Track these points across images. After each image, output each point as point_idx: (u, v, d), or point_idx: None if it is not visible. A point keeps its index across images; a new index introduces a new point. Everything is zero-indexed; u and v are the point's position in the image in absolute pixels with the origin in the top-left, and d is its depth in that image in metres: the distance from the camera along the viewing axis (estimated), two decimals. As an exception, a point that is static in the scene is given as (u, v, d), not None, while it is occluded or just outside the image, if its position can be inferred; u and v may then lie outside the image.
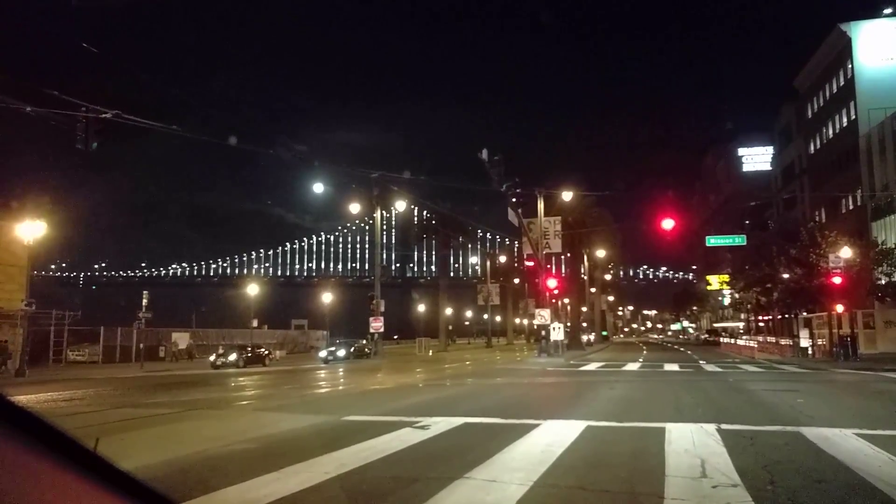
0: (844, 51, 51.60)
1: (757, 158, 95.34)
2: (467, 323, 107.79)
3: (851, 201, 49.49)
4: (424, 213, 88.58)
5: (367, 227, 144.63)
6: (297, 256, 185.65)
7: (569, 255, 58.35)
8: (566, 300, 60.29)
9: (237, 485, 5.83)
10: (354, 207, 46.76)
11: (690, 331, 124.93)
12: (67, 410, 13.36)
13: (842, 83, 52.72)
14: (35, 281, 36.32)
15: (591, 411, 11.40)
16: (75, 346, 38.31)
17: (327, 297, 58.75)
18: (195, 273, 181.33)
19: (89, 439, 1.44)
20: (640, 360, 36.78)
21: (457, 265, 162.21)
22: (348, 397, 16.52)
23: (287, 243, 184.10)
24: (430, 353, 53.90)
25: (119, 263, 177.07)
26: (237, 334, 48.85)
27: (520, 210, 36.51)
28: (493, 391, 17.33)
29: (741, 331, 73.33)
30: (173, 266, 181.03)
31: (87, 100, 17.23)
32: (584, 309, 67.67)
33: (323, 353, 42.55)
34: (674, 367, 28.53)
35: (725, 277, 77.55)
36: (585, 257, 61.73)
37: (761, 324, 68.37)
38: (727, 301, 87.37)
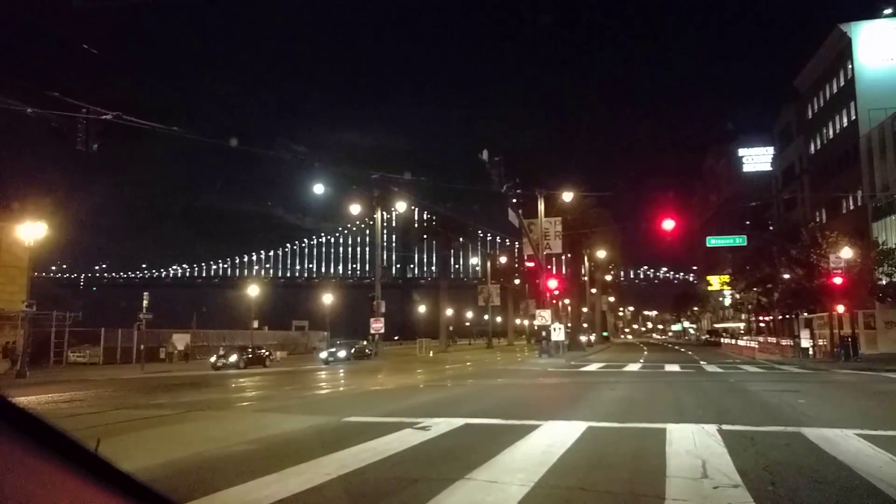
0: (845, 51, 51.59)
1: (757, 159, 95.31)
2: (468, 324, 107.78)
3: (852, 202, 49.48)
4: (425, 213, 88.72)
5: (367, 228, 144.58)
6: (297, 257, 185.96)
7: (569, 255, 58.35)
8: (567, 301, 60.29)
9: (238, 486, 5.83)
10: (355, 208, 46.79)
11: (691, 331, 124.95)
12: (68, 412, 13.37)
13: (842, 83, 52.72)
14: (36, 282, 36.34)
15: (592, 412, 11.39)
16: (76, 348, 38.35)
17: (328, 298, 58.75)
18: (196, 274, 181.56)
19: (90, 440, 1.44)
20: (641, 360, 36.77)
21: (457, 266, 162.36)
22: (349, 398, 16.52)
23: (288, 244, 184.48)
24: (431, 354, 53.89)
25: (120, 265, 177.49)
26: (238, 335, 48.85)
27: (520, 211, 36.53)
28: (493, 392, 17.33)
29: (742, 331, 73.32)
30: (174, 267, 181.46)
31: (87, 101, 17.26)
32: (585, 310, 67.67)
33: (323, 354, 42.56)
34: (674, 367, 28.53)
35: (726, 278, 77.52)
36: (586, 258, 61.70)
37: (762, 324, 68.33)
38: (728, 302, 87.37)
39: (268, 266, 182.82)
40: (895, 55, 49.61)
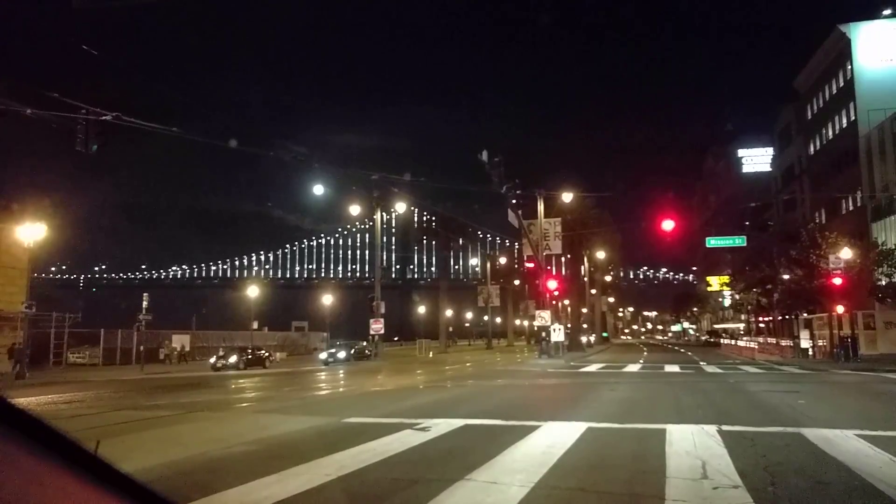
0: (844, 52, 51.62)
1: (757, 159, 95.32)
2: (467, 324, 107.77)
3: (851, 202, 49.49)
4: (425, 214, 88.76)
5: (367, 229, 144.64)
6: (297, 258, 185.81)
7: (569, 256, 58.34)
8: (566, 301, 60.29)
9: (238, 487, 5.83)
10: (355, 209, 46.73)
11: (691, 332, 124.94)
12: (68, 413, 13.36)
13: (841, 84, 52.74)
14: (35, 283, 36.31)
15: (592, 413, 11.39)
16: (76, 349, 38.33)
17: (327, 299, 58.76)
18: (195, 275, 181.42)
19: (90, 441, 1.43)
20: (641, 361, 36.77)
21: (457, 267, 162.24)
22: (348, 399, 16.51)
23: (287, 245, 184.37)
24: (431, 355, 53.89)
25: (119, 265, 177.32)
26: (237, 336, 48.86)
27: (520, 211, 36.52)
28: (493, 393, 17.32)
29: (742, 332, 73.34)
30: (173, 268, 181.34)
31: (87, 102, 17.26)
32: (585, 310, 67.62)
33: (323, 355, 42.58)
34: (674, 368, 28.52)
35: (726, 279, 77.58)
36: (586, 259, 61.68)
37: (762, 325, 68.36)
38: (727, 302, 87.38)
39: (267, 267, 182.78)
40: (895, 56, 49.64)
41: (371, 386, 20.35)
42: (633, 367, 29.37)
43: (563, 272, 61.06)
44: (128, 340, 39.68)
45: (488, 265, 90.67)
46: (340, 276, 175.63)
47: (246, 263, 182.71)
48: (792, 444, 8.05)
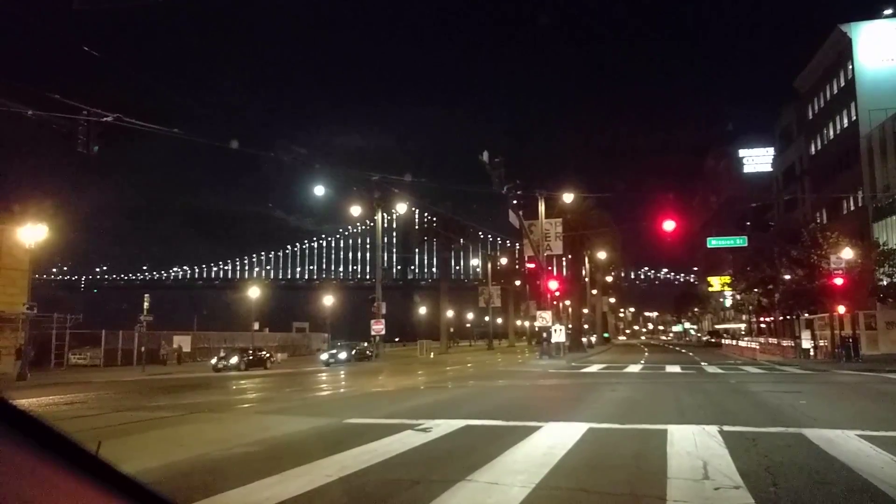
0: (845, 52, 51.61)
1: (758, 160, 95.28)
2: (468, 325, 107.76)
3: (853, 202, 49.46)
4: (425, 215, 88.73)
5: (368, 230, 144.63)
6: (298, 259, 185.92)
7: (570, 257, 58.35)
8: (567, 302, 60.23)
9: (239, 488, 5.83)
10: (355, 210, 46.78)
11: (692, 332, 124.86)
12: (69, 414, 13.37)
13: (842, 84, 52.73)
14: (36, 284, 36.41)
15: (593, 413, 11.38)
16: (77, 350, 38.38)
17: (328, 300, 58.82)
18: (196, 276, 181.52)
19: (91, 443, 1.43)
20: (642, 361, 36.75)
21: (458, 267, 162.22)
22: (349, 400, 16.51)
23: (288, 246, 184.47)
24: (432, 356, 53.89)
25: (120, 266, 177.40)
26: (238, 337, 48.90)
27: (521, 212, 36.50)
28: (494, 393, 17.32)
29: (743, 332, 73.30)
30: (174, 269, 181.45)
31: (88, 103, 17.29)
32: (586, 311, 67.61)
33: (324, 356, 42.60)
34: (675, 368, 28.50)
35: (727, 279, 77.55)
36: (586, 259, 61.66)
37: (763, 325, 68.30)
38: (728, 302, 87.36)
39: (268, 268, 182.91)
40: (895, 55, 49.62)
41: (372, 387, 20.34)
42: (634, 368, 29.35)
43: (564, 273, 61.10)
44: (129, 341, 39.70)
45: (489, 266, 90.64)
46: (341, 276, 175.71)
47: (247, 264, 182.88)
48: (793, 444, 8.04)
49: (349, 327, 70.93)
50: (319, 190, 36.12)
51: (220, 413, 13.39)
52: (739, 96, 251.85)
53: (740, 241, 47.24)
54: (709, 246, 58.58)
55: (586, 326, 66.66)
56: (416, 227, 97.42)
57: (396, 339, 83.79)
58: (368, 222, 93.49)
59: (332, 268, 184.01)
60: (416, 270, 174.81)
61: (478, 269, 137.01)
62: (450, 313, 77.77)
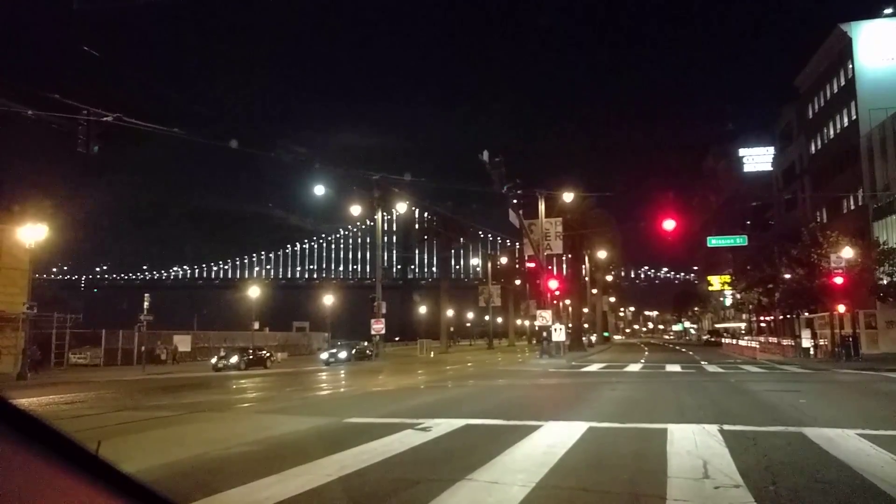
0: (845, 51, 51.58)
1: (758, 159, 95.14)
2: (468, 324, 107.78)
3: (853, 201, 49.44)
4: (425, 214, 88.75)
5: (368, 229, 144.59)
6: (298, 258, 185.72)
7: (570, 256, 58.38)
8: (567, 301, 60.25)
9: (238, 487, 5.84)
10: (356, 209, 46.80)
11: (692, 331, 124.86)
12: (69, 413, 13.38)
13: (842, 83, 52.70)
14: (36, 284, 36.41)
15: (593, 412, 11.39)
16: (77, 349, 38.39)
17: (328, 300, 58.79)
18: (196, 276, 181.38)
19: (91, 442, 1.44)
20: (642, 361, 36.76)
21: (458, 267, 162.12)
22: (349, 399, 16.52)
23: (288, 245, 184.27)
24: (432, 355, 53.91)
25: (120, 266, 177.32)
26: (238, 336, 48.90)
27: (521, 211, 36.50)
28: (494, 393, 17.32)
29: (743, 331, 73.27)
30: (175, 269, 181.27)
31: (88, 103, 17.29)
32: (586, 310, 67.61)
33: (324, 356, 42.62)
34: (675, 367, 28.51)
35: (727, 278, 77.57)
36: (587, 258, 61.69)
37: (763, 324, 68.31)
38: (729, 302, 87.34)
39: (268, 267, 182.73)
40: (895, 55, 49.60)
41: (372, 386, 20.35)
42: (635, 367, 29.37)
43: (564, 272, 61.13)
44: (129, 341, 39.72)
45: (489, 265, 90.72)
46: (341, 276, 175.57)
47: (247, 264, 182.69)
48: (793, 443, 8.04)
49: (349, 326, 71.02)
50: (319, 189, 36.15)
51: (220, 412, 13.40)
52: (739, 96, 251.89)
53: (740, 241, 47.31)
54: (709, 245, 58.71)
55: (586, 325, 66.67)
56: (417, 226, 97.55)
57: (396, 339, 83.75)
58: (368, 221, 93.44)
59: (333, 267, 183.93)
60: (416, 270, 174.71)
61: (478, 269, 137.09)
62: (450, 312, 77.80)
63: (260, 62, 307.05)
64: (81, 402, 16.48)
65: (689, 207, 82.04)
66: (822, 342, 37.42)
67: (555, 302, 42.72)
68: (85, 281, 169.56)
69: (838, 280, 31.80)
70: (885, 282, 37.56)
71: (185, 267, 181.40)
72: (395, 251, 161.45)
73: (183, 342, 44.01)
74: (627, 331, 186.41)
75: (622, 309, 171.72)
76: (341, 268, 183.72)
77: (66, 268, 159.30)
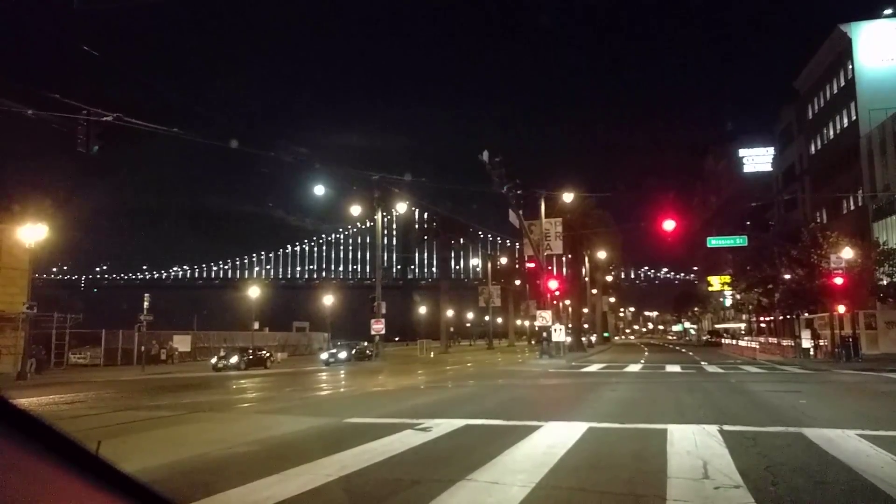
0: (845, 51, 51.60)
1: (758, 159, 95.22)
2: (468, 325, 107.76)
3: (853, 202, 49.47)
4: (425, 214, 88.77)
5: (368, 230, 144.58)
6: (298, 259, 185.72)
7: (570, 256, 58.30)
8: (567, 302, 60.20)
9: (239, 487, 5.84)
10: (355, 210, 46.76)
11: (692, 332, 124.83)
12: (69, 413, 13.38)
13: (842, 84, 52.72)
14: (36, 284, 36.34)
15: (593, 413, 11.39)
16: (77, 349, 38.38)
17: (328, 300, 58.77)
18: (196, 276, 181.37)
19: (91, 442, 1.44)
20: (642, 361, 36.75)
21: (458, 267, 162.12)
22: (350, 399, 16.52)
23: (288, 245, 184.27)
24: (432, 355, 53.89)
25: (120, 266, 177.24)
26: (238, 337, 48.88)
27: (521, 211, 36.48)
28: (494, 393, 17.32)
29: (743, 332, 73.26)
30: (174, 269, 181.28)
31: (88, 103, 17.28)
32: (586, 310, 67.59)
33: (324, 356, 42.61)
34: (675, 368, 28.50)
35: (727, 278, 77.40)
36: (587, 259, 61.66)
37: (763, 325, 68.29)
38: (728, 302, 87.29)
39: (268, 267, 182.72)
40: (895, 55, 49.61)
41: (372, 386, 20.35)
42: (634, 367, 29.36)
43: (564, 272, 61.00)
44: (129, 341, 39.70)
45: (489, 265, 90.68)
46: (341, 276, 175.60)
47: (247, 264, 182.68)
48: (793, 443, 8.05)
49: (349, 327, 70.98)
50: (319, 189, 36.10)
51: (221, 412, 13.39)
52: (739, 96, 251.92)
53: (740, 241, 47.16)
54: (709, 245, 58.53)
55: (586, 326, 66.65)
56: (416, 226, 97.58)
57: (396, 339, 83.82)
58: (368, 222, 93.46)
59: (333, 267, 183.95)
60: (416, 270, 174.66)
61: (478, 269, 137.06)
62: (450, 313, 77.79)
63: (260, 62, 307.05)
64: (81, 401, 16.48)
65: (688, 208, 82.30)
66: (821, 343, 37.43)
67: (555, 302, 42.69)
68: (85, 281, 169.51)
69: (838, 280, 31.80)
70: (884, 282, 37.57)
71: (184, 267, 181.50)
72: (394, 251, 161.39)
73: (183, 342, 44.00)
74: (627, 331, 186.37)
75: (622, 309, 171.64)
76: (341, 268, 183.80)
77: (66, 268, 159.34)
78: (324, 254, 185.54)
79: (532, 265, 40.51)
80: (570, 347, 44.72)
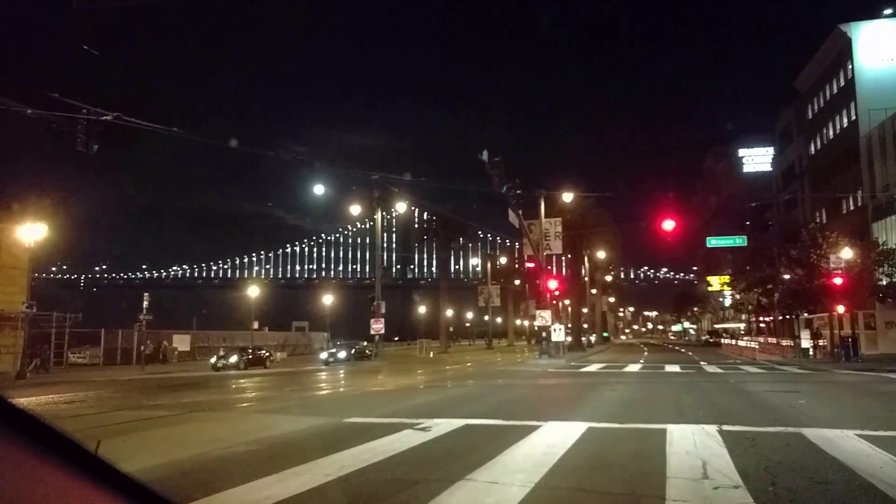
0: (844, 51, 51.60)
1: (757, 159, 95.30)
2: (468, 325, 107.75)
3: (852, 202, 49.46)
4: (425, 214, 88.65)
5: (367, 229, 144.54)
6: (297, 258, 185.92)
7: (569, 256, 58.33)
8: (567, 301, 60.22)
9: (238, 487, 5.84)
10: (355, 209, 46.76)
11: (691, 332, 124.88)
12: (68, 413, 13.37)
13: (842, 84, 52.71)
14: (36, 283, 36.25)
15: (593, 413, 11.39)
16: (76, 349, 38.34)
17: (328, 299, 58.73)
18: (196, 275, 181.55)
19: (90, 441, 1.44)
20: (641, 361, 36.76)
21: (457, 267, 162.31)
22: (349, 399, 16.52)
23: (288, 245, 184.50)
24: (431, 355, 53.88)
25: (120, 265, 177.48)
26: (238, 336, 48.84)
27: (520, 211, 36.47)
28: (494, 392, 17.32)
29: (742, 332, 73.30)
30: (174, 268, 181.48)
31: (88, 102, 17.25)
32: (585, 310, 67.60)
33: (324, 355, 42.59)
34: (675, 368, 28.51)
35: (726, 278, 77.38)
36: (586, 259, 61.64)
37: (762, 325, 68.30)
38: (728, 302, 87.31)
39: (268, 267, 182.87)
40: (895, 55, 49.62)
41: (371, 386, 20.35)
42: (634, 367, 29.37)
43: (564, 272, 61.06)
44: (128, 340, 39.67)
45: (489, 265, 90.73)
46: (341, 276, 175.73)
47: (247, 263, 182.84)
48: (793, 443, 8.05)
49: (349, 326, 71.00)
50: (319, 189, 36.04)
51: (220, 412, 13.39)
52: (739, 96, 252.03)
53: (740, 241, 47.22)
54: (708, 245, 58.54)
55: (586, 326, 66.66)
56: (416, 226, 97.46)
57: (396, 339, 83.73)
58: (368, 221, 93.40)
59: (332, 267, 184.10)
60: (416, 270, 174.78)
61: (477, 269, 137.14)
62: (449, 312, 77.76)
63: (260, 62, 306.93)
64: (81, 401, 16.47)
65: (688, 208, 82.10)
66: (821, 343, 37.44)
67: (554, 302, 42.68)
68: (84, 280, 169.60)
69: (837, 281, 31.81)
70: (884, 282, 37.57)
71: (184, 266, 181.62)
72: (394, 251, 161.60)
73: (182, 342, 43.97)
74: (627, 331, 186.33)
75: (622, 309, 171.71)
76: (341, 268, 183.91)
77: (65, 267, 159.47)
78: (323, 253, 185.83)
79: (532, 265, 40.50)
80: (570, 347, 44.73)
